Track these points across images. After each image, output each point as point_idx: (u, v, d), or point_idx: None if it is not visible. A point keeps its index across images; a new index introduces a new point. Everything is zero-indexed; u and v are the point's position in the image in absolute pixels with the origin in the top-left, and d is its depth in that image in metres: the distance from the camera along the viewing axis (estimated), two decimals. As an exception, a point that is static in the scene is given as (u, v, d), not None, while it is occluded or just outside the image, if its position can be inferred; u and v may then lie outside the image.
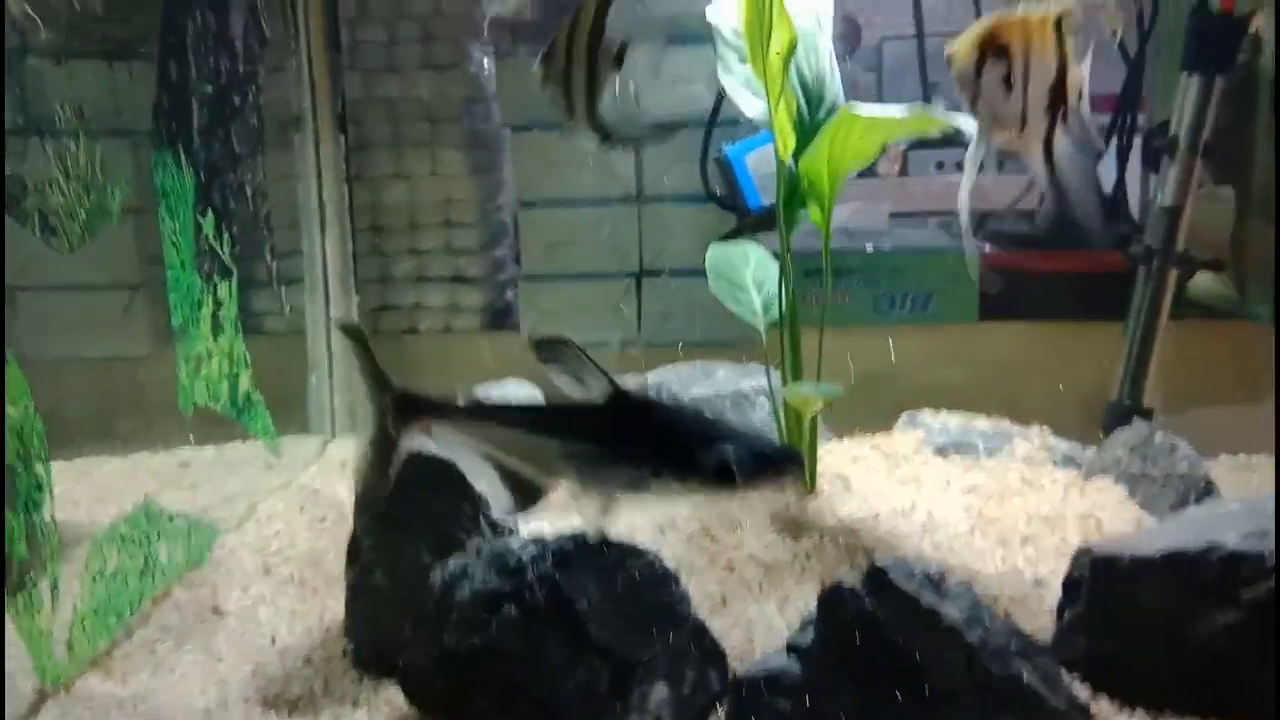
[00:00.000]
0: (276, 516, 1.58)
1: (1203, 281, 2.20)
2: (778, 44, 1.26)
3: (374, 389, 1.05)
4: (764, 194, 1.86)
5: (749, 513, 1.36)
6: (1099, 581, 1.10)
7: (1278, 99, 1.65)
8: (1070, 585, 1.12)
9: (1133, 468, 1.45)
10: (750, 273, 1.49)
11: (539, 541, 1.06)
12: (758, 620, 1.12)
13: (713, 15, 1.41)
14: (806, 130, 1.33)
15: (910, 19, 2.41)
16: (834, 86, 1.39)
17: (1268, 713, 1.02)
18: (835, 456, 1.66)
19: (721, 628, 1.11)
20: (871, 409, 1.89)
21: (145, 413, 1.87)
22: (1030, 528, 1.36)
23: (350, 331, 1.09)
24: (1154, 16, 1.95)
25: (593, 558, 1.05)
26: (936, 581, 1.06)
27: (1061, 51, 1.01)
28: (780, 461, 0.95)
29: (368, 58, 2.05)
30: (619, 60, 1.78)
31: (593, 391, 0.96)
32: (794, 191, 1.36)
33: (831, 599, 1.04)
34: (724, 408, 1.73)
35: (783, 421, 1.46)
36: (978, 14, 2.39)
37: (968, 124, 1.19)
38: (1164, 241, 1.84)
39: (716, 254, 1.54)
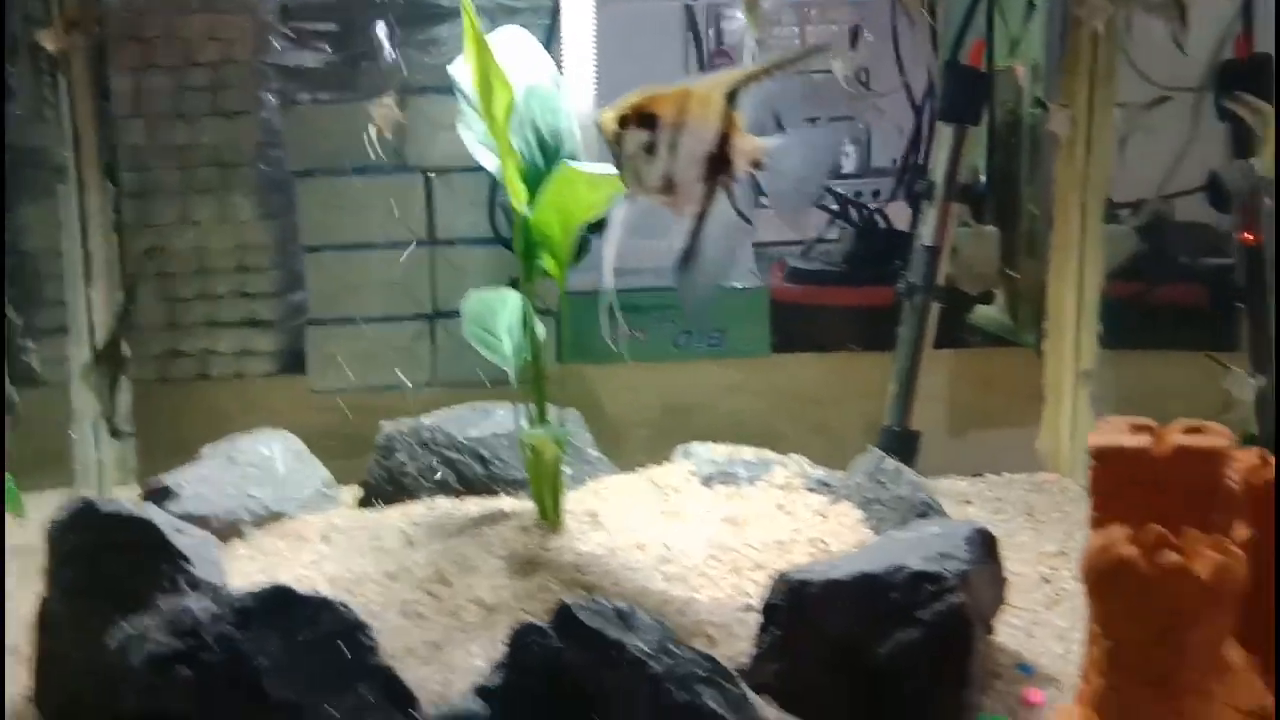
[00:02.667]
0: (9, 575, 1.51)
1: (984, 311, 2.35)
2: (498, 105, 1.31)
3: None
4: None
5: (486, 555, 1.37)
6: (792, 605, 1.15)
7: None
8: (768, 610, 1.16)
9: (867, 492, 1.52)
10: (505, 319, 1.51)
11: (222, 599, 1.04)
12: (463, 666, 1.12)
13: (454, 71, 1.45)
14: (541, 185, 1.37)
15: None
16: (570, 143, 1.43)
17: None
18: (610, 490, 1.69)
19: (425, 675, 1.11)
20: (665, 441, 1.93)
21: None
22: (764, 554, 1.40)
23: None
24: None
25: (277, 612, 1.03)
26: (626, 616, 1.09)
27: (727, 121, 1.06)
28: None
29: (152, 104, 2.01)
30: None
31: None
32: (531, 242, 1.39)
33: (520, 639, 1.05)
34: (500, 447, 1.75)
35: (528, 459, 1.47)
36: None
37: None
38: (925, 278, 1.95)
39: (473, 301, 1.55)
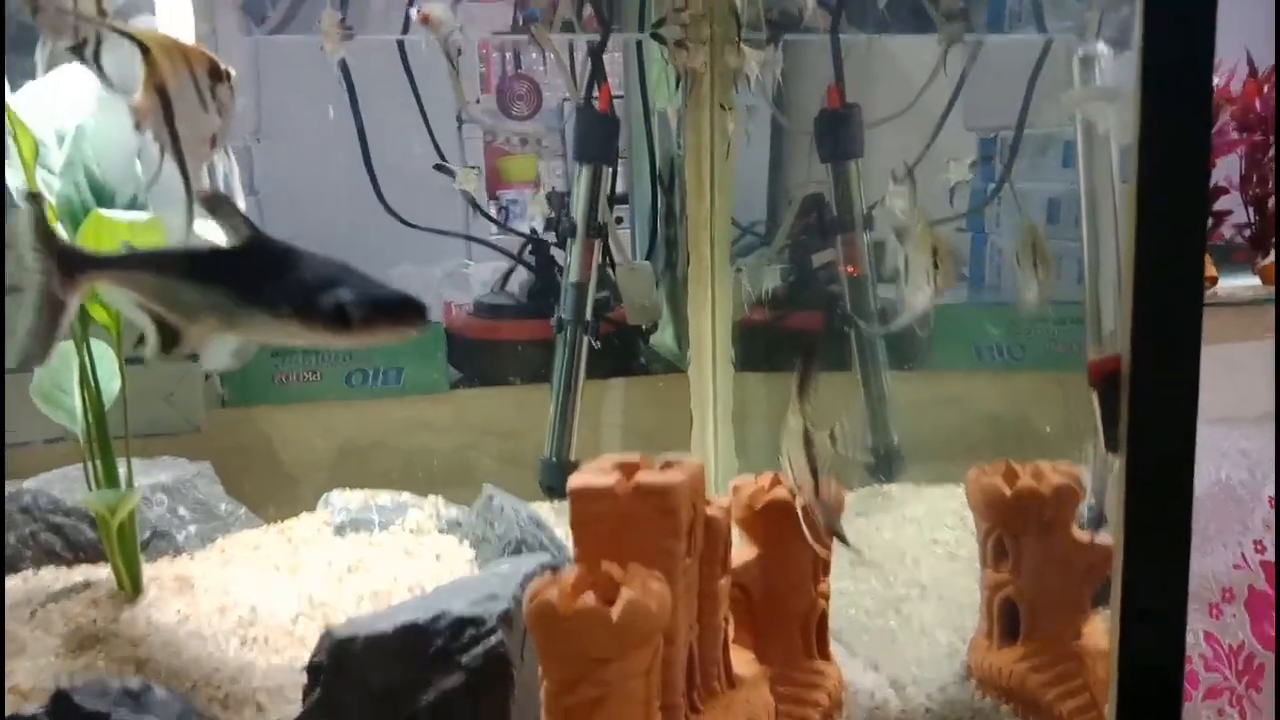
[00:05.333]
0: None
1: (660, 340, 2.48)
2: (25, 148, 1.24)
3: (41, 248, 1.04)
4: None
5: (45, 634, 1.29)
6: (334, 663, 1.14)
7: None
8: (312, 669, 1.16)
9: (478, 530, 1.56)
10: (78, 373, 1.43)
11: None
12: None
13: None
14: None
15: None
16: (131, 185, 1.38)
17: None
18: (235, 546, 1.63)
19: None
20: (334, 485, 1.88)
21: None
22: (359, 606, 1.40)
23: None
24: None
25: None
26: (136, 694, 1.05)
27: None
28: (398, 308, 0.98)
29: None
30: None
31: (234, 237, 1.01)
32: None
33: (7, 734, 1.00)
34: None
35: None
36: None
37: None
38: (574, 312, 2.03)
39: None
